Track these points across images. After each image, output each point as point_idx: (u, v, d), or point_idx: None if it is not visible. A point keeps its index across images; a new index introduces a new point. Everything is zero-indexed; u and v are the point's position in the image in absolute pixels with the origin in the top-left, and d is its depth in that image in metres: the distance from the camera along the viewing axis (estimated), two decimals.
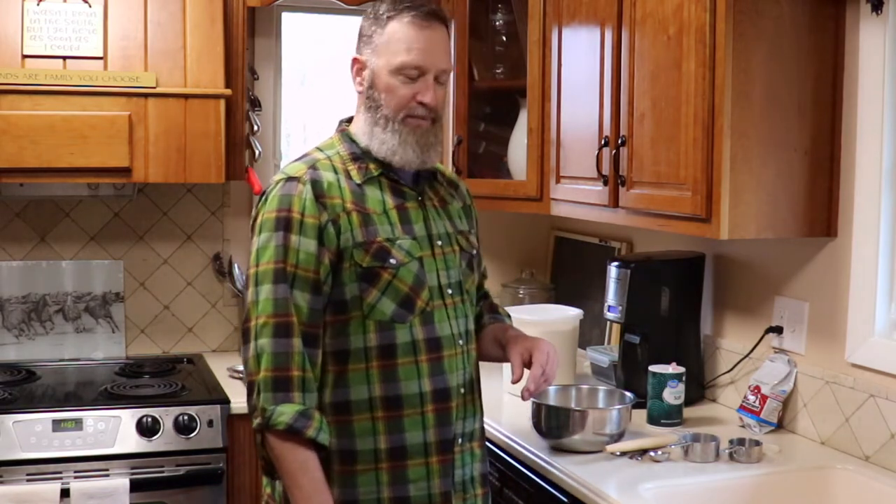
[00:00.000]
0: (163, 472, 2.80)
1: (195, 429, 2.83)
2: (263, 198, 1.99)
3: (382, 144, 2.00)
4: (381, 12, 2.01)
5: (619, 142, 2.61)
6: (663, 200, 2.44)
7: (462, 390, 2.03)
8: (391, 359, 1.95)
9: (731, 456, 2.32)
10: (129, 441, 2.78)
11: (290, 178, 1.96)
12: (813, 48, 2.33)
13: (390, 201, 2.01)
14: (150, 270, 3.47)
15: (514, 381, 2.09)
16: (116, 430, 2.78)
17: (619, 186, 2.62)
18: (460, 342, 2.04)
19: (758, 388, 2.58)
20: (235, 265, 3.49)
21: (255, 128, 3.35)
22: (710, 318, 2.89)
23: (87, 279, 3.39)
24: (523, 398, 2.06)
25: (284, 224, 1.92)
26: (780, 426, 2.57)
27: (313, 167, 1.98)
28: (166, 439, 2.81)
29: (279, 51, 3.58)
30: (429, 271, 2.00)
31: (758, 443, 2.36)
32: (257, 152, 3.32)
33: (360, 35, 2.05)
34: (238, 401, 2.91)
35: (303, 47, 3.72)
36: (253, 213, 2.02)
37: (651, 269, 2.82)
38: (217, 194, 3.52)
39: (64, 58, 2.96)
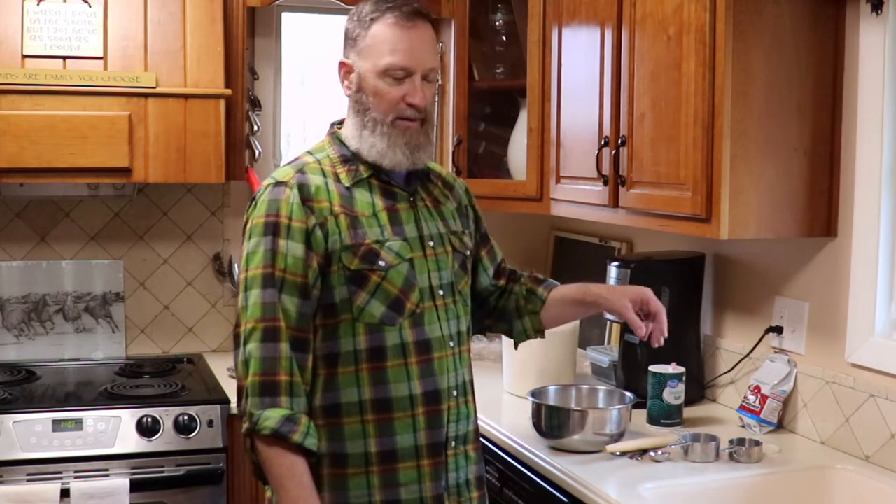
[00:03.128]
0: (163, 472, 2.80)
1: (195, 429, 2.83)
2: (253, 203, 2.00)
3: (372, 147, 1.98)
4: (364, 14, 1.99)
5: (619, 142, 2.61)
6: (663, 200, 2.44)
7: (454, 392, 2.02)
8: (381, 361, 1.94)
9: (731, 456, 2.32)
10: (129, 441, 2.78)
11: (277, 183, 1.96)
12: (813, 48, 2.33)
13: (380, 203, 1.99)
14: (150, 270, 3.47)
15: (644, 337, 2.18)
16: (116, 430, 2.78)
17: (619, 186, 2.62)
18: (451, 343, 2.02)
19: (758, 388, 2.58)
20: (235, 265, 3.49)
21: (255, 128, 3.35)
22: (710, 318, 2.89)
23: (87, 279, 3.39)
24: (658, 344, 2.18)
25: (272, 229, 1.92)
26: (780, 426, 2.57)
27: (301, 171, 1.98)
28: (166, 439, 2.81)
29: (279, 51, 3.58)
30: (420, 272, 1.99)
31: (758, 443, 2.36)
32: (257, 152, 3.32)
33: (346, 38, 2.03)
34: None
35: (303, 47, 3.72)
36: (244, 217, 2.02)
37: (651, 269, 2.82)
38: (217, 194, 3.52)
39: (64, 58, 2.96)
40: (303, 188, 1.94)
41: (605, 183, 2.67)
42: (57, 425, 2.74)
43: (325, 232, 1.92)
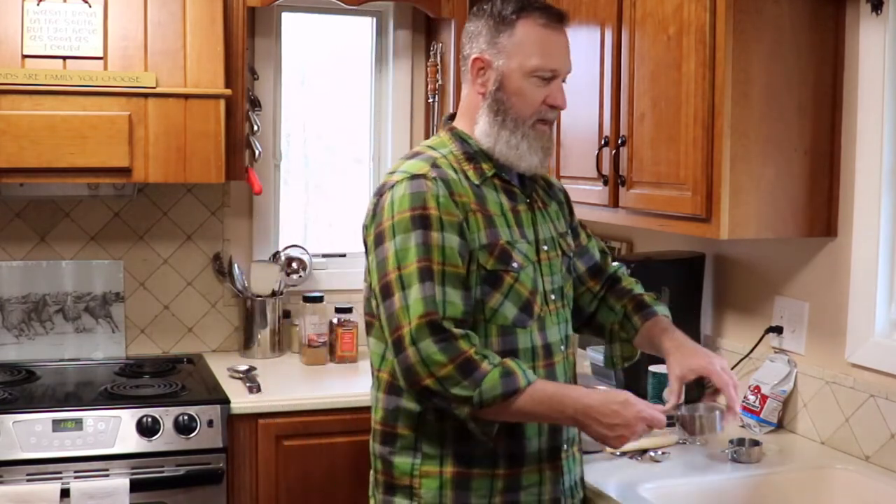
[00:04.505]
0: (163, 472, 2.79)
1: (195, 429, 2.83)
2: (388, 201, 1.88)
3: (511, 149, 1.94)
4: (506, 12, 1.94)
5: (619, 142, 2.61)
6: (663, 200, 2.44)
7: None
8: None
9: (731, 456, 2.32)
10: (129, 441, 2.78)
11: (414, 176, 1.88)
12: (813, 48, 2.33)
13: (506, 203, 1.97)
14: (150, 270, 3.47)
15: (670, 407, 2.02)
16: (116, 430, 2.78)
17: (619, 186, 2.62)
18: (562, 347, 2.02)
19: (758, 388, 2.58)
20: (235, 265, 3.49)
21: (255, 128, 3.35)
22: (710, 318, 2.89)
23: (87, 279, 3.39)
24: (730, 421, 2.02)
25: (422, 222, 1.84)
26: (780, 426, 2.57)
27: (435, 165, 1.91)
28: (166, 439, 2.80)
29: (279, 51, 3.58)
30: (536, 277, 1.97)
31: (758, 443, 2.36)
32: (257, 152, 3.32)
33: (476, 34, 1.97)
34: (238, 401, 2.91)
35: (303, 47, 3.72)
36: (366, 220, 1.94)
37: (651, 269, 2.81)
38: (217, 194, 3.52)
39: (64, 58, 2.95)
40: (446, 182, 1.88)
41: (605, 183, 2.68)
42: (57, 425, 2.74)
43: (468, 228, 1.88)
